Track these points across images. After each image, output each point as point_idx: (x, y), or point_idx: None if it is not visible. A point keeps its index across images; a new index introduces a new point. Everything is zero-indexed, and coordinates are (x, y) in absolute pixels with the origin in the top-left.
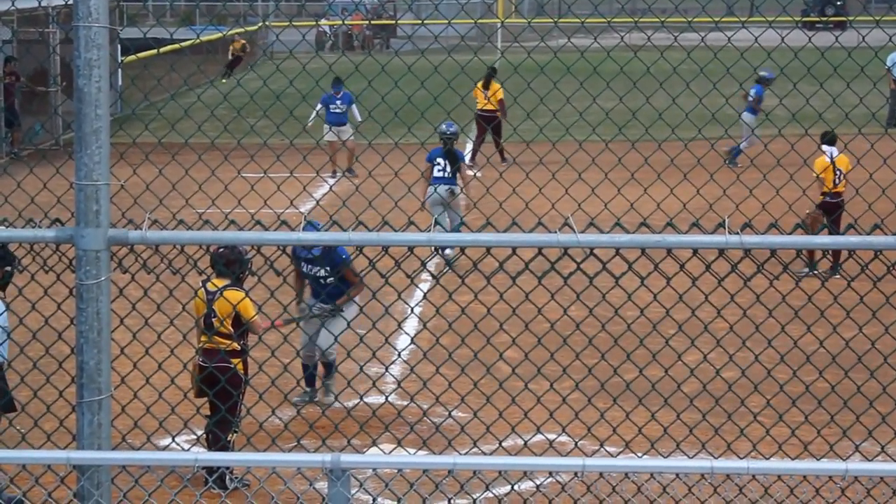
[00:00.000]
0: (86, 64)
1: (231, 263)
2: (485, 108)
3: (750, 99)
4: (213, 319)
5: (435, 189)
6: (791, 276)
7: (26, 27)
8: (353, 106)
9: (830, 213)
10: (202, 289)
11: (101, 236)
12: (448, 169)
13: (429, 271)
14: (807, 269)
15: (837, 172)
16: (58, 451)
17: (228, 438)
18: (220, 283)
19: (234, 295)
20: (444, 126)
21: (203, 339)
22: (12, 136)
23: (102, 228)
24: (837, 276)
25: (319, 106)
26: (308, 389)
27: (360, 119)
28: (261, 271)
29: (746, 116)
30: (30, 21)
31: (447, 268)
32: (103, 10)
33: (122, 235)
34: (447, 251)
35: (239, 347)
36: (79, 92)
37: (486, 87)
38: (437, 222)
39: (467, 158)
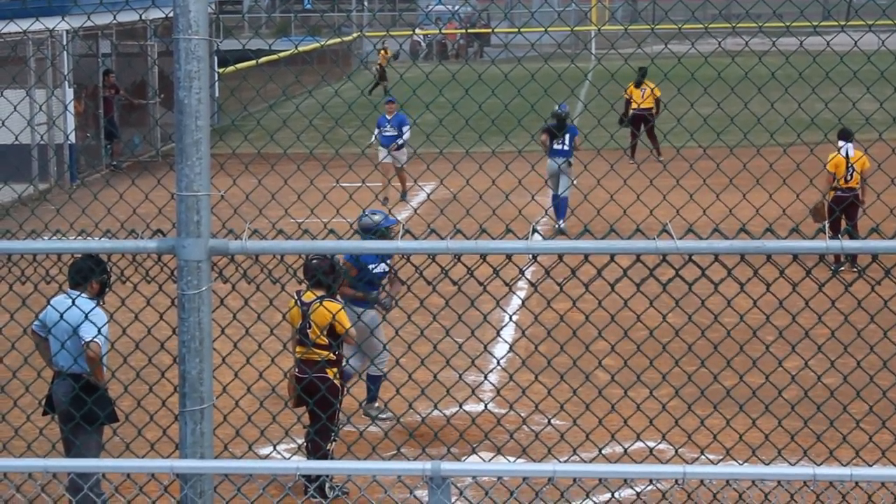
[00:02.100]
0: (186, 76)
1: (328, 274)
2: (641, 106)
3: None
4: (310, 331)
5: (554, 160)
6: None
7: (126, 40)
8: (405, 128)
9: (843, 208)
10: (298, 300)
11: (202, 246)
12: (565, 142)
13: (527, 279)
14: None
15: (850, 168)
16: (161, 460)
17: (328, 447)
18: (315, 293)
19: (332, 306)
20: (556, 107)
21: (300, 349)
22: (112, 148)
23: (203, 239)
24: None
25: (377, 130)
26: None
27: (403, 140)
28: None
29: None
30: (129, 34)
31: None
32: (203, 23)
33: (222, 245)
34: (562, 224)
35: (335, 357)
36: (179, 103)
37: (639, 86)
38: (534, 230)
39: (628, 158)
